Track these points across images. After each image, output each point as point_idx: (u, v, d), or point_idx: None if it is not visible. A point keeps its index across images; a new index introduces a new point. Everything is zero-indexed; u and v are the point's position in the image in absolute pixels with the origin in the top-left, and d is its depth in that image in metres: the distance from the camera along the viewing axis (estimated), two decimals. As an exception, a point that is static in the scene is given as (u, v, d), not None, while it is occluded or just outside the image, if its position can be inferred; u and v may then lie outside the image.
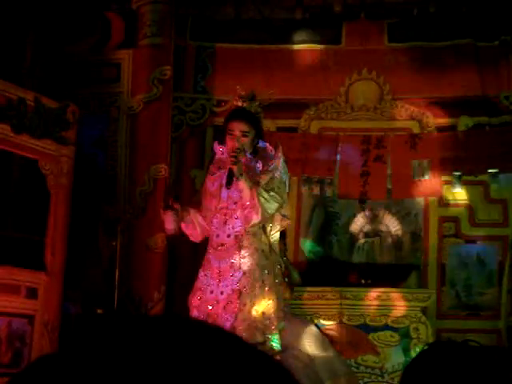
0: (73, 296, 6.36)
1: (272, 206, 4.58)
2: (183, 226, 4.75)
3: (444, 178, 7.10)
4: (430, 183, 7.05)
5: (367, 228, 7.27)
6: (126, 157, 6.93)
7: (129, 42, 7.10)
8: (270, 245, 4.79)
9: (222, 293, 4.59)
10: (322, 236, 7.30)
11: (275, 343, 4.57)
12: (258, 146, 4.73)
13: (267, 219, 4.67)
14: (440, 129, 7.21)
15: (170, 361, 0.69)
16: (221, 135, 5.00)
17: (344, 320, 6.48)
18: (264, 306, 4.60)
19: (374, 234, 7.26)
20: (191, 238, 4.85)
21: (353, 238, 7.28)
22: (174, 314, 0.84)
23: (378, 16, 7.36)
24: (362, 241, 7.25)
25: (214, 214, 4.68)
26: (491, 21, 7.15)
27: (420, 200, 7.24)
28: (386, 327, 6.46)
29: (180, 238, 4.96)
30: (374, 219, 7.29)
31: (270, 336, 4.57)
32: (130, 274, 6.53)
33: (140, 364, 0.68)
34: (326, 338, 5.34)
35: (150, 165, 6.76)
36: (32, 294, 5.75)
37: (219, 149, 4.87)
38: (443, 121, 7.22)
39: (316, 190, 7.30)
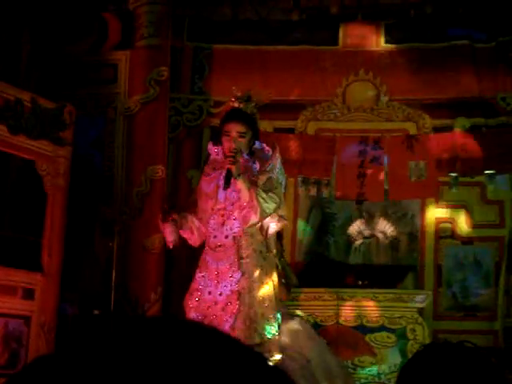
0: (69, 297, 6.36)
1: (270, 206, 4.58)
2: (181, 232, 4.75)
3: (441, 178, 7.10)
4: (426, 184, 7.05)
5: (364, 229, 7.27)
6: (122, 157, 6.93)
7: (126, 43, 7.10)
8: (267, 246, 4.79)
9: (220, 294, 4.58)
10: (319, 237, 7.30)
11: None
12: (255, 146, 4.73)
13: (265, 219, 4.67)
14: (437, 130, 7.22)
15: (166, 362, 0.69)
16: (216, 136, 5.00)
17: (341, 321, 6.49)
18: (262, 307, 4.60)
19: (371, 235, 7.26)
20: (189, 242, 4.85)
21: (350, 239, 7.28)
22: (171, 316, 0.85)
23: (374, 17, 7.36)
24: (358, 242, 7.25)
25: (211, 215, 4.67)
26: (488, 22, 7.15)
27: (417, 201, 7.24)
28: (383, 328, 6.46)
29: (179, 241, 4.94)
30: (370, 220, 7.29)
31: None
32: (126, 275, 6.53)
33: (137, 365, 0.68)
34: (322, 339, 5.34)
35: (147, 165, 6.76)
36: (28, 294, 5.74)
37: (214, 149, 4.87)
38: (440, 122, 7.23)
39: (313, 191, 7.30)
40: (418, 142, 7.07)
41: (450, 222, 7.19)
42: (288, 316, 5.21)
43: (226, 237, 4.64)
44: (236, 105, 4.75)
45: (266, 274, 4.68)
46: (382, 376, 6.37)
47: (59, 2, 6.94)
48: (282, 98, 7.05)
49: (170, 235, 4.67)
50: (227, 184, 4.49)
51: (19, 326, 5.68)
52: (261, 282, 4.62)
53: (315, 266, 7.10)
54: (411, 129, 7.24)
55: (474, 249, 7.16)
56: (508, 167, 6.99)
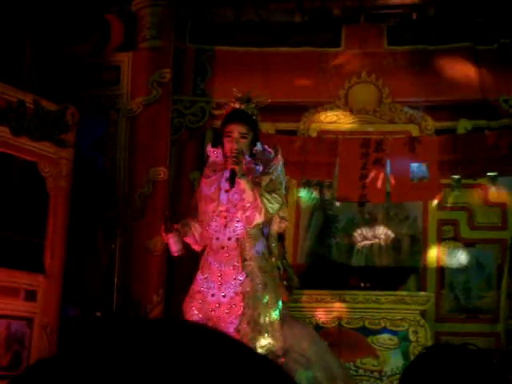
0: (72, 298, 6.36)
1: (274, 207, 4.58)
2: (185, 238, 4.74)
3: (443, 181, 7.10)
4: (429, 186, 7.05)
5: (366, 231, 7.27)
6: (125, 159, 6.93)
7: (128, 45, 7.11)
8: (269, 247, 4.79)
9: (224, 296, 4.57)
10: (321, 239, 7.30)
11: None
12: (256, 148, 4.72)
13: (269, 219, 4.67)
14: (439, 132, 7.21)
15: (169, 364, 0.69)
16: (217, 138, 4.99)
17: (343, 323, 6.48)
18: (266, 309, 4.60)
19: (373, 237, 7.26)
20: (192, 247, 4.84)
21: (352, 241, 7.28)
22: (174, 318, 0.85)
23: (377, 19, 7.36)
24: (361, 244, 7.25)
25: (212, 217, 4.66)
26: (490, 24, 7.15)
27: (419, 203, 7.24)
28: (385, 330, 6.46)
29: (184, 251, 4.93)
30: (372, 222, 7.29)
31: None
32: (128, 277, 6.53)
33: (139, 367, 0.68)
34: (324, 342, 5.34)
35: (149, 167, 6.76)
36: (31, 296, 5.75)
37: (213, 152, 4.85)
38: (442, 124, 7.22)
39: (315, 193, 7.31)
40: (421, 144, 7.06)
41: (453, 224, 7.19)
42: (290, 318, 5.20)
43: (229, 239, 4.63)
44: (237, 106, 4.74)
45: (268, 276, 4.68)
46: (385, 378, 6.36)
47: (62, 4, 6.95)
48: (284, 100, 7.06)
49: (174, 245, 4.67)
50: (232, 183, 4.47)
51: (21, 328, 5.68)
52: (264, 284, 4.62)
53: (317, 267, 7.10)
54: (413, 131, 7.24)
55: (476, 251, 7.16)
56: (510, 169, 6.99)
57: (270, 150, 4.78)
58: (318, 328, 6.25)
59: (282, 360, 4.54)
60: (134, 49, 7.06)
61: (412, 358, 5.78)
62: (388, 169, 7.06)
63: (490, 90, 7.08)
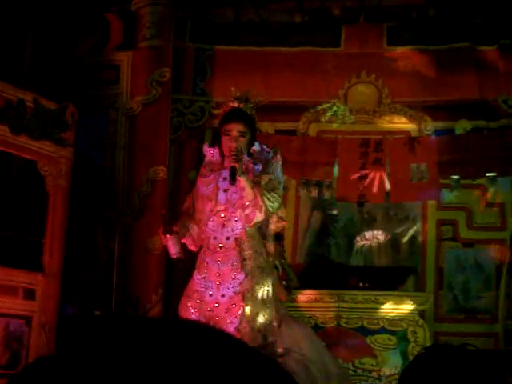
0: (70, 297, 6.36)
1: (274, 205, 4.58)
2: (183, 240, 4.73)
3: (442, 181, 7.10)
4: (428, 186, 7.05)
5: (365, 231, 7.27)
6: (124, 158, 6.93)
7: (128, 44, 7.10)
8: (266, 247, 4.79)
9: (223, 296, 4.56)
10: (320, 239, 7.30)
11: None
12: (254, 148, 4.71)
13: (268, 217, 4.67)
14: (438, 132, 7.21)
15: (169, 364, 0.69)
16: (216, 137, 4.98)
17: (341, 323, 6.49)
18: (264, 308, 4.60)
19: (372, 237, 7.26)
20: (189, 247, 4.83)
21: (351, 241, 7.28)
22: (173, 317, 0.85)
23: (377, 19, 7.36)
24: (360, 244, 7.26)
25: (210, 216, 4.65)
26: (490, 25, 7.15)
27: (418, 203, 7.24)
28: (384, 330, 6.46)
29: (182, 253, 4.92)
30: (372, 223, 7.30)
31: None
32: (127, 276, 6.53)
33: (138, 366, 0.68)
34: (321, 342, 5.34)
35: (149, 166, 6.76)
36: (30, 295, 5.75)
37: (209, 151, 4.85)
38: (442, 124, 7.23)
39: (314, 193, 7.31)
40: (420, 144, 7.06)
41: (452, 225, 7.19)
42: (288, 318, 5.21)
43: (228, 238, 4.63)
44: (236, 105, 4.74)
45: (266, 275, 4.68)
46: (383, 378, 6.36)
47: (62, 3, 6.95)
48: (283, 100, 7.06)
49: (172, 247, 4.66)
50: (234, 180, 4.46)
51: (20, 327, 5.68)
52: (262, 284, 4.62)
53: (316, 267, 7.10)
54: (413, 131, 7.24)
55: (475, 251, 7.16)
56: (509, 170, 6.99)
57: (268, 149, 4.78)
58: (317, 328, 6.25)
59: (283, 360, 4.54)
60: (133, 48, 7.05)
61: (411, 358, 5.78)
62: (387, 169, 7.06)
63: (489, 90, 7.08)
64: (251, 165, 4.65)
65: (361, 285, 6.81)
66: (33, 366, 0.73)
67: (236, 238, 4.62)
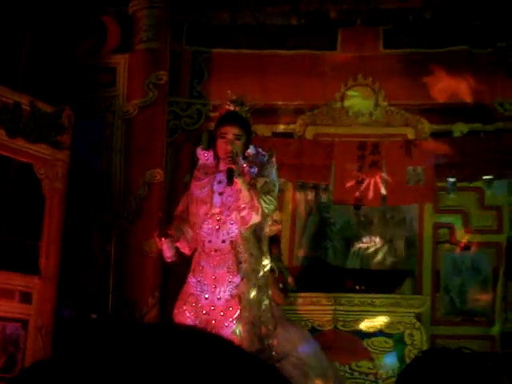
0: (67, 300, 6.35)
1: (270, 208, 4.59)
2: (177, 244, 4.72)
3: (439, 184, 7.10)
4: (424, 189, 7.05)
5: (362, 234, 7.28)
6: (121, 161, 6.92)
7: (125, 47, 7.10)
8: (261, 250, 4.78)
9: (219, 299, 4.56)
10: (317, 242, 7.30)
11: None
12: (249, 151, 4.71)
13: (265, 219, 4.67)
14: (435, 135, 7.22)
15: (164, 367, 0.69)
16: (212, 140, 4.98)
17: (338, 326, 6.49)
18: (260, 311, 4.59)
19: (369, 240, 7.26)
20: (182, 251, 4.82)
21: (348, 244, 7.28)
22: (169, 321, 0.84)
23: (373, 22, 7.36)
24: (356, 247, 7.26)
25: (204, 219, 4.64)
26: (487, 28, 7.17)
27: (415, 206, 7.24)
28: (381, 333, 6.46)
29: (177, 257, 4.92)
30: (368, 225, 7.30)
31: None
32: (124, 279, 6.52)
33: (135, 371, 0.68)
34: (317, 344, 5.34)
35: (145, 169, 6.76)
36: (26, 298, 5.74)
37: (203, 154, 4.85)
38: (438, 127, 7.23)
39: (311, 196, 7.31)
40: (416, 147, 7.07)
41: (448, 228, 7.19)
42: (285, 321, 5.21)
43: (223, 241, 4.62)
44: (231, 108, 4.75)
45: (262, 278, 4.68)
46: (380, 381, 6.36)
47: (58, 6, 6.94)
48: (280, 103, 7.06)
49: (167, 251, 4.65)
50: (231, 182, 4.46)
51: (16, 330, 5.67)
52: (258, 287, 4.61)
53: (313, 270, 7.10)
54: (409, 134, 7.25)
55: (471, 254, 7.16)
56: (506, 172, 7.00)
57: (263, 152, 4.78)
58: (314, 331, 6.25)
59: (280, 364, 4.53)
60: (130, 51, 7.05)
61: (407, 361, 5.78)
62: (384, 172, 7.06)
63: (485, 93, 7.09)
64: (247, 167, 4.65)
65: (357, 288, 6.81)
66: (30, 369, 0.72)
67: (231, 241, 4.61)
